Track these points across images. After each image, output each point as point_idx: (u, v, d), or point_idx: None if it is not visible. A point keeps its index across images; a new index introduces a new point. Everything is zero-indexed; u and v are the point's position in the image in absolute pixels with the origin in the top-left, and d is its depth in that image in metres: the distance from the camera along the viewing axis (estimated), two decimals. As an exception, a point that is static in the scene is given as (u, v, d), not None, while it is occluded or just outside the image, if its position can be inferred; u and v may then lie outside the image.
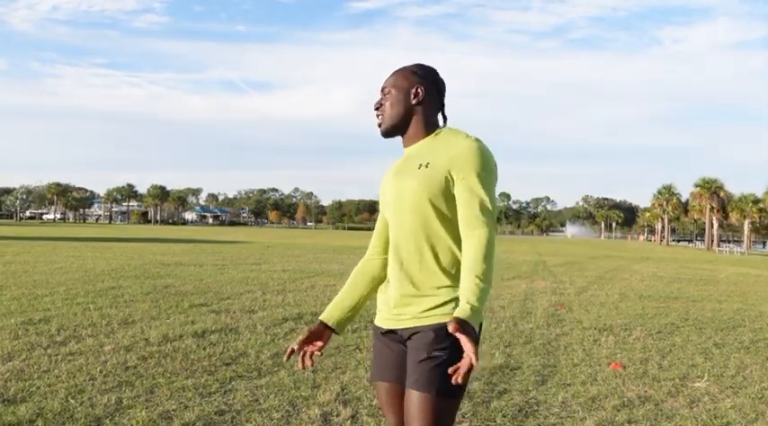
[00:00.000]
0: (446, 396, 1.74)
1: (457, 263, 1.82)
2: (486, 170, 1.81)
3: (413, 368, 1.78)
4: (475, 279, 1.70)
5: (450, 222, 1.83)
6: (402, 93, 1.94)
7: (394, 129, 1.96)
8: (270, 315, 7.03)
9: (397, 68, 2.01)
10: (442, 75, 2.02)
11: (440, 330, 1.75)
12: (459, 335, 1.61)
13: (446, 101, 2.01)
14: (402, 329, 1.87)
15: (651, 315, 8.27)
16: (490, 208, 1.79)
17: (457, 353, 1.69)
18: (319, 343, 2.00)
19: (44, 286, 8.97)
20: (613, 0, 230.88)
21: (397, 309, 1.88)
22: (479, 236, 1.76)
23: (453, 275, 1.82)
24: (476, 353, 1.60)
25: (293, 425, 3.46)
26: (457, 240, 1.82)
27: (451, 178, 1.81)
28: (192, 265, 13.71)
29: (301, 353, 1.97)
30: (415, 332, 1.82)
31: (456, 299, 1.77)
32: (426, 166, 1.84)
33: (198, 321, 6.44)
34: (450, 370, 1.64)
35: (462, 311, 1.66)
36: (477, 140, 1.86)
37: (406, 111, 1.94)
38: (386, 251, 2.05)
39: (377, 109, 1.99)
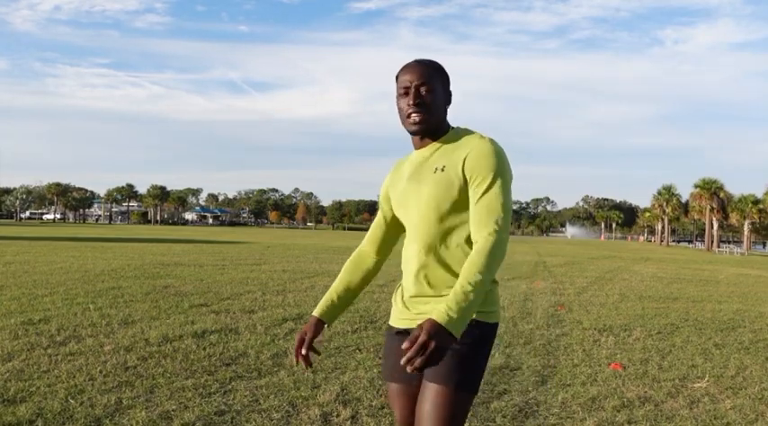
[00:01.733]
0: (463, 391, 1.74)
1: None
2: (502, 172, 1.78)
3: None
4: (466, 284, 1.62)
5: (464, 225, 1.81)
6: (445, 93, 1.88)
7: (432, 128, 1.85)
8: (270, 315, 7.03)
9: (422, 61, 1.88)
10: None
11: None
12: (420, 335, 1.50)
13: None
14: None
15: (651, 315, 8.27)
16: (503, 212, 1.75)
17: (477, 348, 1.75)
18: (310, 335, 1.99)
19: (44, 286, 8.97)
20: (615, 0, 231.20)
21: (414, 309, 1.88)
22: (487, 238, 1.72)
23: None
24: (414, 350, 1.48)
25: (293, 425, 3.47)
26: (470, 242, 1.81)
27: (467, 180, 1.79)
28: (191, 265, 13.70)
29: (302, 352, 1.97)
30: None
31: None
32: (442, 170, 1.82)
33: (198, 321, 6.44)
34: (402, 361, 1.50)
35: (439, 314, 1.55)
36: (493, 141, 1.82)
37: (445, 112, 1.89)
38: (380, 253, 2.10)
39: (417, 104, 1.82)
